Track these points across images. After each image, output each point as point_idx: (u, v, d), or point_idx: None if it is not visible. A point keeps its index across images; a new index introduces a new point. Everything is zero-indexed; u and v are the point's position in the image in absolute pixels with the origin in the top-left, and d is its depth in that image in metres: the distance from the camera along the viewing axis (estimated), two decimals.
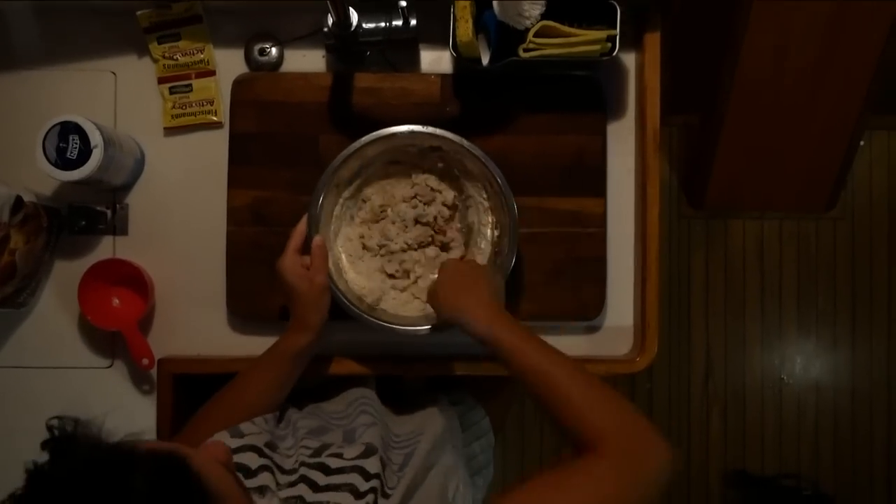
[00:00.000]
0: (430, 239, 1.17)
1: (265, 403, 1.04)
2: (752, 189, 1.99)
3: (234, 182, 1.20)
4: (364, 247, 1.18)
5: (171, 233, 1.23)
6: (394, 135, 1.10)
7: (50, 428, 0.66)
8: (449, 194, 1.17)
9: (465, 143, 1.08)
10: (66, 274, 1.22)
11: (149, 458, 0.62)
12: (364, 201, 1.18)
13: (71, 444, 0.65)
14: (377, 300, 1.16)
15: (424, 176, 1.17)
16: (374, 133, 1.09)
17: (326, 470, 0.90)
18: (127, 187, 1.23)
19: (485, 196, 1.15)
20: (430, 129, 1.09)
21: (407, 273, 1.18)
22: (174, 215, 1.23)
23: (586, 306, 1.20)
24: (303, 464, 0.91)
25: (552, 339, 1.21)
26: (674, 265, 2.42)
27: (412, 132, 1.10)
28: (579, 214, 1.20)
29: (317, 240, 1.08)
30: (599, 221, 1.20)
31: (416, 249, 1.17)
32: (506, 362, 0.91)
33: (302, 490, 0.87)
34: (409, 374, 1.22)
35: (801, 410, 2.43)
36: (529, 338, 0.92)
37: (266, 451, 0.92)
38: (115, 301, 1.21)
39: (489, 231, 1.17)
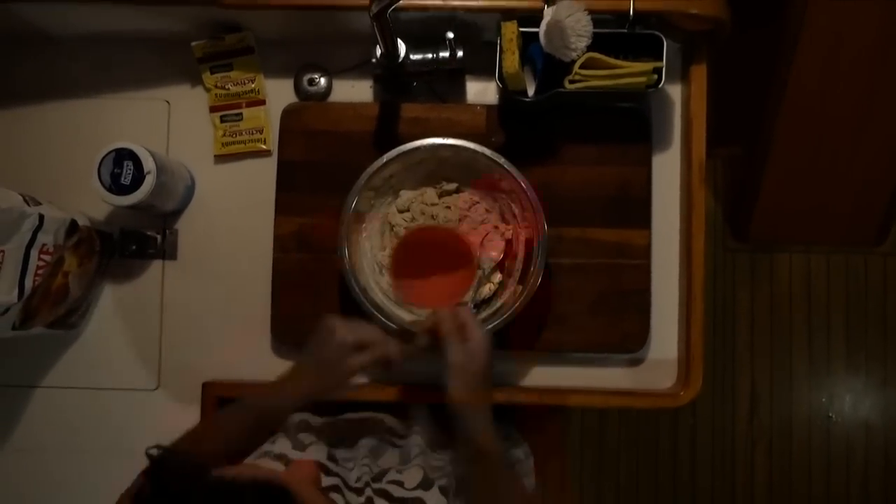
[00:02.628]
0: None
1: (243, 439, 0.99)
2: (798, 222, 1.96)
3: (281, 209, 1.21)
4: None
5: (219, 258, 1.25)
6: (417, 148, 1.11)
7: (150, 456, 0.66)
8: (465, 199, 1.18)
9: (486, 151, 1.09)
10: (116, 297, 1.24)
11: (252, 488, 0.62)
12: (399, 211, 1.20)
13: (173, 474, 0.65)
14: None
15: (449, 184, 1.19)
16: (400, 147, 1.11)
17: (390, 498, 0.91)
18: (177, 213, 1.25)
19: (516, 212, 1.15)
20: (450, 141, 1.10)
21: None
22: (222, 241, 1.25)
23: (629, 338, 1.19)
24: (367, 484, 0.92)
25: (595, 371, 1.22)
26: (718, 298, 2.38)
27: (433, 145, 1.11)
28: (623, 246, 1.19)
29: (395, 349, 0.99)
30: (644, 253, 1.19)
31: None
32: (478, 468, 0.94)
33: None
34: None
35: (849, 450, 2.37)
36: (503, 456, 0.98)
37: (331, 466, 0.92)
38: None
39: (521, 249, 1.16)
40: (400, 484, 0.93)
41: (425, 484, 0.94)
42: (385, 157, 1.11)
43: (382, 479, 0.94)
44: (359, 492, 0.90)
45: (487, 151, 1.09)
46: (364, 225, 1.17)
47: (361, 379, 1.10)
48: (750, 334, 2.39)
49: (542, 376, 1.22)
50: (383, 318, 1.09)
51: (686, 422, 2.37)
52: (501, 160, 1.09)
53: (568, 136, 1.21)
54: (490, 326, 1.08)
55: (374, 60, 1.17)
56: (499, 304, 1.14)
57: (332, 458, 0.95)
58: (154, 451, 0.66)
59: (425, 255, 1.12)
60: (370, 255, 1.18)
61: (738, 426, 2.38)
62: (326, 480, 0.89)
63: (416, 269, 1.12)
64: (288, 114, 1.23)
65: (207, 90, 1.26)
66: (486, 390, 0.97)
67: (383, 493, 0.91)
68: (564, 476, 1.34)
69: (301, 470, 0.68)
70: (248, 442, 0.98)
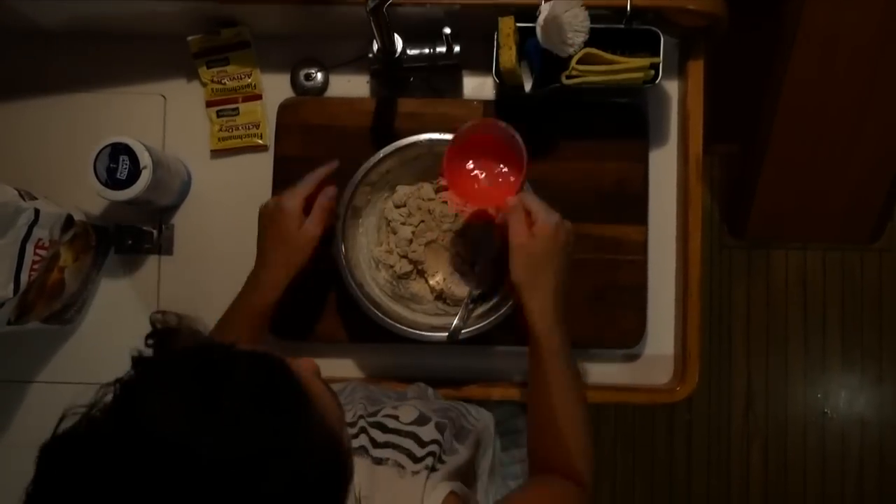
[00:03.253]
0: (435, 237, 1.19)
1: None
2: (794, 219, 1.96)
3: None
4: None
5: (216, 253, 1.25)
6: (414, 144, 1.11)
7: (153, 322, 0.68)
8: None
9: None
10: (112, 292, 1.24)
11: (248, 352, 0.62)
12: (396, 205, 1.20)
13: (173, 336, 0.66)
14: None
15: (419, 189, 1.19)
16: (397, 143, 1.11)
17: (384, 428, 0.90)
18: (173, 208, 1.25)
19: None
20: (447, 136, 1.09)
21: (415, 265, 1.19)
22: (218, 236, 1.25)
23: (626, 334, 1.19)
24: (361, 417, 0.92)
25: (591, 367, 1.22)
26: (715, 295, 2.39)
27: (430, 140, 1.11)
28: (620, 242, 1.19)
29: (329, 189, 1.06)
30: (640, 249, 1.19)
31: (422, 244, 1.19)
32: (534, 358, 0.96)
33: (364, 441, 0.87)
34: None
35: (845, 446, 2.38)
36: (568, 354, 0.96)
37: None
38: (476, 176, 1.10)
39: None
40: (395, 418, 0.93)
41: (420, 420, 0.93)
42: (381, 153, 1.10)
43: (378, 414, 0.93)
44: (352, 425, 0.90)
45: None
46: (360, 220, 1.17)
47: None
48: (746, 331, 2.39)
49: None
50: (380, 314, 1.09)
51: (682, 417, 2.37)
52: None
53: (565, 132, 1.20)
54: (486, 322, 1.08)
55: (370, 55, 1.16)
56: (495, 299, 1.14)
57: None
58: (158, 317, 0.68)
59: (478, 156, 1.09)
60: (367, 250, 1.18)
61: (733, 422, 2.38)
62: None
63: (469, 171, 1.10)
64: (284, 109, 1.23)
65: (204, 85, 1.25)
66: (551, 276, 0.96)
67: (377, 425, 0.90)
68: None
69: (299, 362, 0.68)
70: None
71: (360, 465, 0.80)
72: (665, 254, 1.22)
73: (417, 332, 1.09)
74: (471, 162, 1.09)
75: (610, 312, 1.19)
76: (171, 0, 1.15)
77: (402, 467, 0.83)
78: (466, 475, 0.95)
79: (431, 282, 1.19)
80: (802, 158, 1.83)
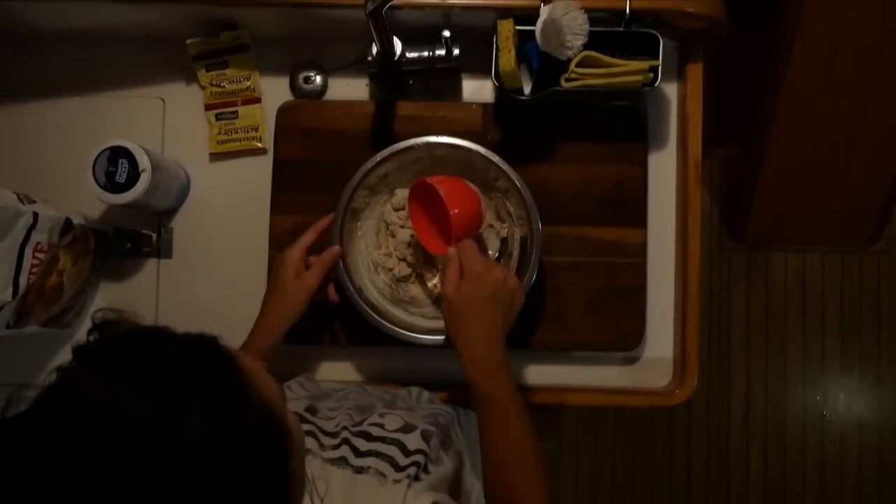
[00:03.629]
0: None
1: None
2: (794, 222, 1.96)
3: (276, 207, 1.21)
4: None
5: (214, 257, 1.25)
6: (412, 147, 1.11)
7: (94, 319, 0.70)
8: None
9: (481, 150, 1.09)
10: (111, 296, 1.24)
11: (183, 334, 0.65)
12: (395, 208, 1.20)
13: (113, 327, 0.68)
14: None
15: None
16: (395, 145, 1.10)
17: (368, 437, 0.90)
18: (172, 211, 1.25)
19: (511, 211, 1.15)
20: (445, 139, 1.10)
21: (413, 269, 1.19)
22: (217, 239, 1.25)
23: (625, 337, 1.19)
24: (345, 428, 0.91)
25: (591, 370, 1.22)
26: (714, 298, 2.39)
27: (428, 143, 1.11)
28: (619, 244, 1.19)
29: (334, 249, 1.09)
30: (640, 252, 1.19)
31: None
32: (474, 404, 0.95)
33: (345, 452, 0.87)
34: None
35: (843, 448, 2.38)
36: (509, 398, 0.94)
37: (308, 416, 0.92)
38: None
39: (516, 247, 1.16)
40: (381, 426, 0.92)
41: (406, 428, 0.93)
42: (379, 156, 1.10)
43: (363, 423, 0.93)
44: (333, 435, 0.90)
45: (482, 150, 1.09)
46: (359, 223, 1.16)
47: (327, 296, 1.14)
48: (745, 333, 2.39)
49: (538, 375, 1.22)
50: (378, 318, 1.09)
51: (681, 420, 2.37)
52: (496, 158, 1.09)
53: (564, 135, 1.21)
54: None
55: (369, 58, 1.16)
56: None
57: (311, 410, 0.95)
58: (99, 315, 0.70)
59: (433, 202, 1.09)
60: (365, 253, 1.18)
61: (733, 424, 2.38)
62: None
63: (428, 216, 1.11)
64: (283, 112, 1.23)
65: (203, 88, 1.25)
66: (478, 324, 0.96)
67: (361, 434, 0.90)
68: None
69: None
70: None
71: (339, 476, 0.80)
72: (664, 257, 1.22)
73: (415, 335, 1.09)
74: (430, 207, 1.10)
75: (609, 315, 1.19)
76: (171, 3, 1.15)
77: (384, 476, 0.82)
78: (454, 487, 0.95)
79: (430, 285, 1.19)
80: (802, 161, 1.83)
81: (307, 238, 1.09)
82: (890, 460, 2.36)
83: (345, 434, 0.90)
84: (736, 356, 2.39)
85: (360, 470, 0.83)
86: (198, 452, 0.57)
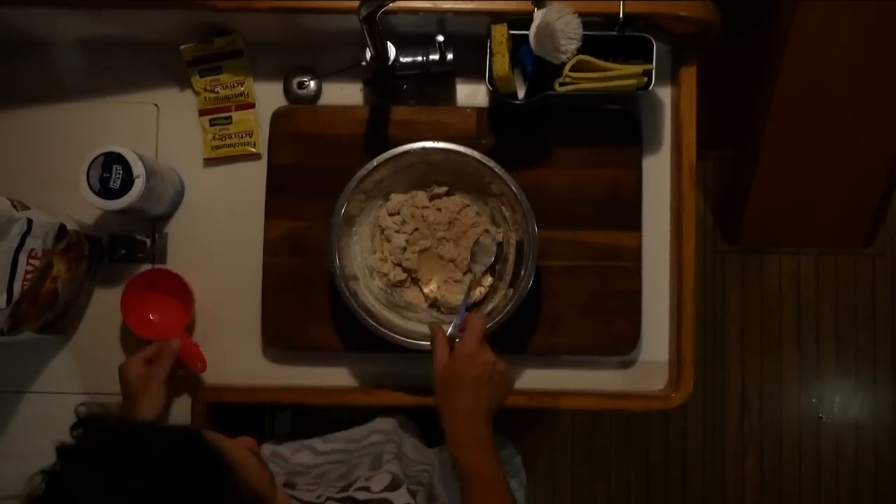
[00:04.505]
0: (429, 245, 1.19)
1: None
2: (788, 224, 1.96)
3: (271, 213, 1.21)
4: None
5: (209, 262, 1.24)
6: (407, 152, 1.11)
7: (77, 413, 0.72)
8: (456, 203, 1.18)
9: (476, 154, 1.09)
10: (106, 301, 1.24)
11: (166, 430, 0.66)
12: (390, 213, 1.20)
13: (100, 423, 0.70)
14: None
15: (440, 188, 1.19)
16: (391, 151, 1.11)
17: (354, 502, 0.90)
18: (166, 217, 1.25)
19: (507, 215, 1.15)
20: (440, 145, 1.10)
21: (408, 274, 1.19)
22: (212, 245, 1.25)
23: (621, 341, 1.19)
24: (329, 498, 0.92)
25: (586, 374, 1.22)
26: (709, 301, 2.39)
27: (423, 148, 1.11)
28: (614, 248, 1.19)
29: (173, 343, 1.15)
30: (635, 255, 1.20)
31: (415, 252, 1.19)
32: (461, 485, 0.94)
33: None
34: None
35: (839, 450, 2.38)
36: (489, 475, 0.95)
37: (286, 490, 0.92)
38: (153, 316, 1.22)
39: (512, 251, 1.16)
40: (367, 489, 0.93)
41: (392, 486, 0.94)
42: (375, 161, 1.10)
43: (349, 489, 0.93)
44: (313, 492, 0.90)
45: (477, 154, 1.09)
46: (354, 228, 1.16)
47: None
48: (740, 336, 2.39)
49: (534, 379, 1.22)
50: (373, 322, 1.09)
51: (677, 424, 2.37)
52: (491, 163, 1.09)
53: (558, 139, 1.21)
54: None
55: (363, 63, 1.16)
56: (490, 307, 1.14)
57: (288, 485, 0.96)
58: (82, 409, 0.73)
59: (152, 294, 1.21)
60: (360, 258, 1.18)
61: (728, 427, 2.38)
62: None
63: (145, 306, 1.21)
64: (277, 117, 1.23)
65: (196, 93, 1.25)
66: (459, 401, 0.97)
67: (347, 500, 0.91)
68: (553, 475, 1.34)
69: (235, 441, 0.70)
70: None
71: None
72: (659, 260, 1.22)
73: (411, 340, 1.09)
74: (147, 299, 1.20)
75: (604, 319, 1.19)
76: (164, 9, 1.15)
77: None
78: None
79: (426, 290, 1.19)
80: (795, 163, 1.83)
81: (148, 352, 1.13)
82: (886, 462, 2.37)
83: (327, 498, 0.91)
84: (731, 358, 2.39)
85: None
86: None
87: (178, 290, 1.20)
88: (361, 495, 0.91)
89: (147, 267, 1.24)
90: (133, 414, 1.09)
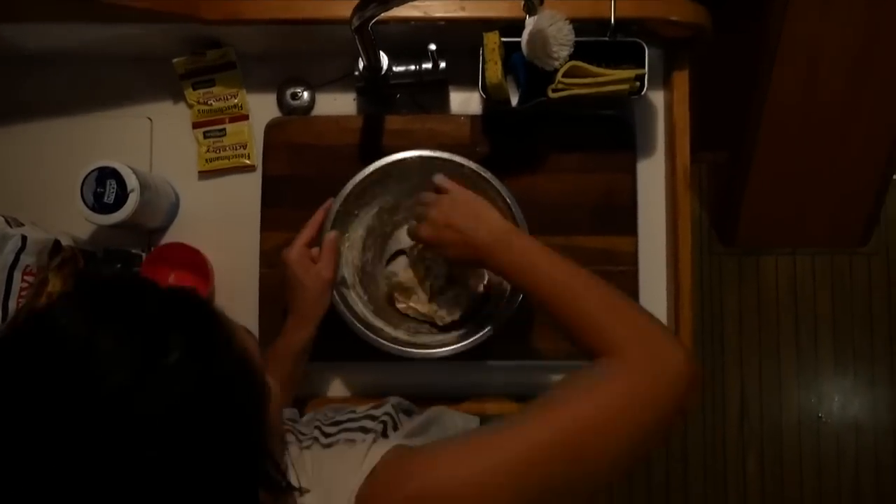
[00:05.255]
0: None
1: None
2: (783, 225, 1.97)
3: (266, 224, 1.21)
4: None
5: None
6: (403, 160, 1.10)
7: (79, 274, 0.70)
8: None
9: (480, 168, 1.09)
10: None
11: (168, 289, 0.64)
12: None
13: (95, 273, 0.69)
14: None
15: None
16: (379, 161, 1.11)
17: (338, 423, 0.90)
18: (162, 230, 1.25)
19: None
20: (427, 153, 1.10)
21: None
22: (208, 257, 1.24)
23: None
24: (318, 421, 0.92)
25: None
26: (706, 303, 2.39)
27: (421, 157, 1.11)
28: (610, 253, 1.19)
29: (330, 235, 1.08)
30: (630, 260, 1.19)
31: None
32: (518, 277, 0.90)
33: (316, 435, 0.87)
34: None
35: (840, 450, 2.38)
36: (541, 248, 0.89)
37: (288, 422, 0.92)
38: (172, 284, 1.21)
39: None
40: (352, 412, 0.92)
41: (377, 406, 0.93)
42: (369, 169, 1.10)
43: (335, 417, 0.93)
44: (309, 430, 0.90)
45: (469, 162, 1.09)
46: (347, 234, 1.16)
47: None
48: (738, 338, 2.40)
49: (531, 386, 1.22)
50: (367, 332, 1.09)
51: (676, 426, 2.37)
52: (482, 170, 1.09)
53: (552, 145, 1.21)
54: (476, 337, 1.08)
55: (356, 73, 1.17)
56: (485, 314, 1.14)
57: (290, 419, 0.96)
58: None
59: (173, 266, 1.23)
60: (352, 266, 1.17)
61: (728, 430, 2.38)
62: None
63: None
64: (271, 128, 1.23)
65: (190, 106, 1.25)
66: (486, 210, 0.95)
67: (332, 423, 0.90)
68: None
69: None
70: (286, 392, 1.07)
71: (308, 456, 0.77)
72: (655, 264, 1.22)
73: (401, 348, 1.09)
74: (172, 275, 1.22)
75: None
76: (156, 23, 1.15)
77: (353, 441, 0.81)
78: None
79: (418, 305, 1.19)
80: (789, 164, 1.84)
81: (306, 234, 1.07)
82: (886, 461, 2.37)
83: (316, 422, 0.90)
84: (729, 360, 2.39)
85: (328, 445, 0.83)
86: (175, 392, 0.56)
87: (193, 265, 1.20)
88: (346, 416, 0.91)
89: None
90: (296, 316, 1.06)
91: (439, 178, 1.01)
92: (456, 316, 1.15)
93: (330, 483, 0.71)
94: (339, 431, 0.87)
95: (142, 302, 0.60)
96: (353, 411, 0.93)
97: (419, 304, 1.17)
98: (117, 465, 0.53)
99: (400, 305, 1.18)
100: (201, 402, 0.57)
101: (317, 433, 0.87)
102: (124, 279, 0.64)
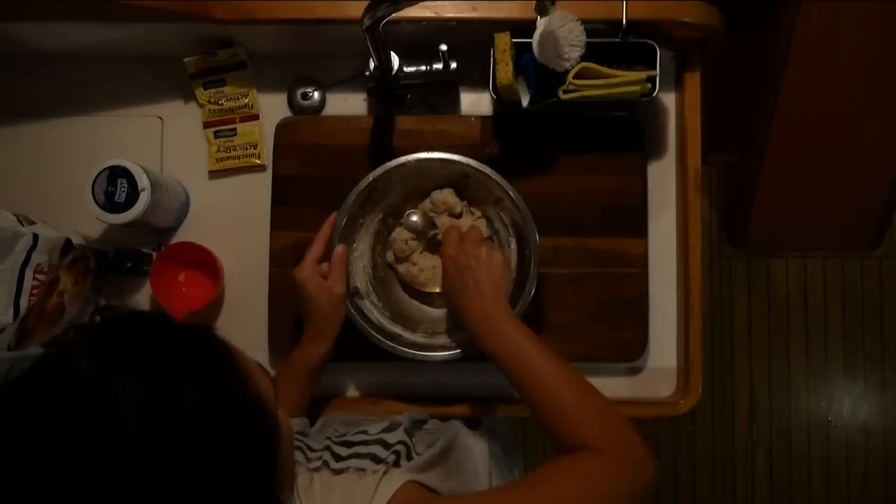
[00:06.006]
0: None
1: None
2: (794, 227, 1.96)
3: (276, 224, 1.21)
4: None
5: None
6: (403, 164, 1.10)
7: (97, 306, 0.70)
8: (458, 205, 1.17)
9: (482, 166, 1.09)
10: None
11: (180, 322, 0.65)
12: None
13: (114, 312, 0.69)
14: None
15: (442, 192, 1.17)
16: (378, 169, 1.10)
17: (349, 444, 0.90)
18: (172, 229, 1.25)
19: (508, 222, 1.15)
20: (435, 155, 1.10)
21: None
22: (218, 257, 1.24)
23: (628, 347, 1.19)
24: (328, 438, 0.92)
25: (594, 381, 1.20)
26: (716, 305, 2.38)
27: (428, 159, 1.11)
28: (620, 254, 1.19)
29: (338, 249, 1.09)
30: (641, 262, 1.19)
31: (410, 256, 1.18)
32: (498, 361, 0.94)
33: (326, 457, 0.87)
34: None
35: (849, 454, 2.37)
36: (526, 338, 0.94)
37: (298, 437, 0.92)
38: (182, 282, 1.24)
39: (513, 258, 1.16)
40: (364, 432, 0.92)
41: (390, 427, 0.92)
42: (371, 176, 1.10)
43: (347, 434, 0.93)
44: (319, 450, 0.89)
45: (473, 163, 1.09)
46: (355, 244, 1.15)
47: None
48: (748, 340, 2.39)
49: None
50: (385, 340, 1.09)
51: (685, 429, 2.36)
52: (490, 171, 1.09)
53: (563, 146, 1.20)
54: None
55: (367, 73, 1.16)
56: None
57: (300, 433, 0.95)
58: (102, 302, 0.70)
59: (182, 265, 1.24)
60: (364, 275, 1.17)
61: (737, 432, 2.37)
62: None
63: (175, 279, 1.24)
64: (282, 128, 1.23)
65: (201, 106, 1.25)
66: (487, 282, 0.99)
67: (343, 443, 0.90)
68: None
69: None
70: (300, 405, 1.10)
71: (318, 480, 0.78)
72: (665, 266, 1.22)
73: (424, 353, 1.09)
74: (182, 274, 1.24)
75: (611, 326, 1.18)
76: (167, 22, 1.15)
77: (363, 470, 0.81)
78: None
79: (430, 308, 1.19)
80: (801, 167, 1.83)
81: (315, 251, 1.08)
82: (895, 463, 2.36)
83: (327, 442, 0.90)
84: (739, 363, 2.38)
85: (339, 472, 0.83)
86: (188, 440, 0.56)
87: (204, 264, 1.22)
88: (358, 437, 0.91)
89: None
90: (313, 331, 1.08)
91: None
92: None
93: None
94: (350, 456, 0.86)
95: (157, 345, 0.60)
96: (365, 431, 0.92)
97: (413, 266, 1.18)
98: None
99: (399, 267, 1.19)
100: (214, 449, 0.58)
101: (326, 455, 0.87)
102: (140, 318, 0.64)
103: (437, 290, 1.17)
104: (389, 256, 1.19)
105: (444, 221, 1.16)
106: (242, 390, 0.63)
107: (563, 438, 0.86)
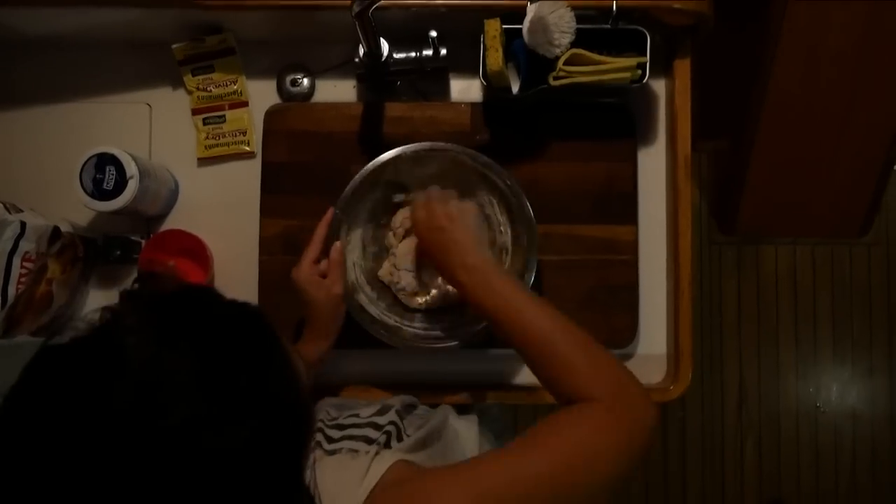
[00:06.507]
0: None
1: None
2: (783, 214, 1.96)
3: (266, 211, 1.21)
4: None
5: None
6: (399, 156, 1.10)
7: (139, 272, 0.69)
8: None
9: (467, 150, 1.09)
10: (100, 303, 1.22)
11: (229, 300, 0.64)
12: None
13: (159, 279, 0.68)
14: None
15: (398, 213, 1.17)
16: (370, 164, 1.10)
17: (342, 427, 0.90)
18: (161, 217, 1.24)
19: (503, 209, 1.15)
20: (426, 145, 1.10)
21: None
22: (207, 244, 1.24)
23: (618, 334, 1.19)
24: (321, 421, 0.91)
25: None
26: (705, 292, 2.39)
27: (416, 150, 1.10)
28: (610, 242, 1.19)
29: (336, 246, 1.08)
30: (631, 249, 1.19)
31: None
32: (488, 313, 0.91)
33: (319, 438, 0.87)
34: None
35: (837, 439, 2.39)
36: (516, 288, 0.91)
37: None
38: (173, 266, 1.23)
39: (509, 245, 1.16)
40: (356, 415, 0.92)
41: (382, 410, 0.92)
42: (357, 178, 1.10)
43: (339, 418, 0.93)
44: None
45: (469, 151, 1.09)
46: (348, 237, 1.15)
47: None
48: (737, 326, 2.40)
49: (532, 375, 1.22)
50: (385, 332, 1.09)
51: (675, 415, 2.38)
52: (484, 158, 1.09)
53: (553, 133, 1.20)
54: (480, 326, 1.08)
55: (356, 60, 1.16)
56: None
57: None
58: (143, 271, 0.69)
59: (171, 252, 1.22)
60: (353, 265, 1.17)
61: (726, 418, 2.39)
62: None
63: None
64: (271, 115, 1.22)
65: (189, 93, 1.25)
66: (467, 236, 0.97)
67: (335, 426, 0.90)
68: None
69: None
70: None
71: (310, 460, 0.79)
72: (656, 253, 1.22)
73: (417, 344, 1.10)
74: (172, 262, 1.22)
75: (602, 313, 1.19)
76: (154, 7, 1.14)
77: (356, 451, 0.81)
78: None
79: (419, 298, 1.19)
80: (790, 154, 1.83)
81: (312, 251, 1.08)
82: (883, 450, 2.37)
83: (320, 426, 0.90)
84: (728, 349, 2.39)
85: (331, 453, 0.83)
86: (244, 419, 0.55)
87: (193, 252, 1.21)
88: (349, 420, 0.91)
89: None
90: (313, 330, 1.07)
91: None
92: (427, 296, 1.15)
93: (331, 495, 0.71)
94: (343, 438, 0.86)
95: (207, 323, 0.59)
96: (357, 415, 0.92)
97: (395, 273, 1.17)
98: (176, 497, 0.52)
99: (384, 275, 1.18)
100: (266, 429, 0.56)
101: (319, 437, 0.87)
102: (190, 292, 0.63)
103: (421, 301, 1.17)
104: (382, 273, 1.18)
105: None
106: (290, 370, 0.62)
107: (560, 390, 0.85)
